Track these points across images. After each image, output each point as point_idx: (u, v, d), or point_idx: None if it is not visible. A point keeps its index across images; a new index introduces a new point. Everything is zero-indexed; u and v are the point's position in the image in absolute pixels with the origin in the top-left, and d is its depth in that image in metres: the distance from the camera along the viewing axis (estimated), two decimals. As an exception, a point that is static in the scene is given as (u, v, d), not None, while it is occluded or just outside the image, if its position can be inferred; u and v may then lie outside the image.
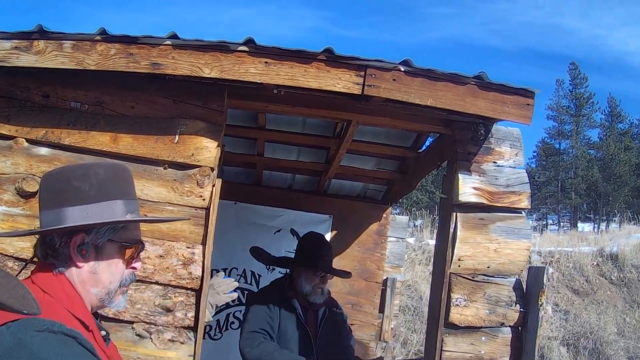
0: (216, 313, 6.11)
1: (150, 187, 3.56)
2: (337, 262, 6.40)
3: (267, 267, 6.56)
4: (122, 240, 2.07)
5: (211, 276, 3.70)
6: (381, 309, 6.92)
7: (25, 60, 3.37)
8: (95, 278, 2.04)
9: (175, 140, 3.58)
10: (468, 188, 3.74)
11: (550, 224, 65.84)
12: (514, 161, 3.86)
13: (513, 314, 3.78)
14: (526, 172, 3.94)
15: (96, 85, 3.62)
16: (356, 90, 3.39)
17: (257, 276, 6.70)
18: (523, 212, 3.87)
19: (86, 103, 3.62)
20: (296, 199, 6.82)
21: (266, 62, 3.38)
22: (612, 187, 58.52)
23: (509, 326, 3.80)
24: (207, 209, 3.55)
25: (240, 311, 6.36)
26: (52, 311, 1.85)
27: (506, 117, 3.52)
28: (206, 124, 3.60)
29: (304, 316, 4.36)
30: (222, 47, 3.37)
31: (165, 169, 3.58)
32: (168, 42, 3.37)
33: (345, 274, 4.73)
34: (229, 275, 6.28)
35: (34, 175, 3.52)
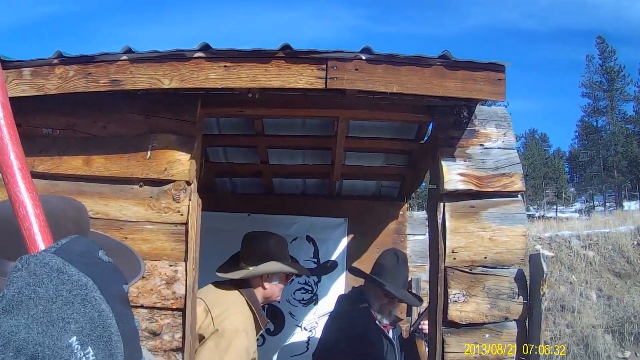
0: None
1: (128, 206, 3.58)
2: (356, 267, 6.32)
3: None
4: None
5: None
6: (409, 313, 6.74)
7: None
8: None
9: (148, 156, 3.58)
10: (454, 175, 3.63)
11: (597, 205, 64.21)
12: (503, 142, 3.73)
13: (517, 307, 3.62)
14: (517, 151, 3.79)
15: (66, 109, 3.66)
16: (319, 84, 3.36)
17: None
18: (518, 196, 3.71)
19: (57, 128, 3.67)
20: (310, 204, 6.74)
21: (225, 66, 3.37)
22: (653, 161, 55.96)
23: (514, 320, 3.63)
24: (187, 224, 3.52)
25: None
26: None
27: (478, 95, 3.42)
28: (178, 137, 3.60)
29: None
30: (179, 56, 3.39)
31: (140, 186, 3.59)
32: (124, 57, 3.41)
33: (415, 301, 4.85)
34: None
35: None
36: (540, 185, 66.86)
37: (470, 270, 3.59)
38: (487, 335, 3.57)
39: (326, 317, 6.22)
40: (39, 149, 3.62)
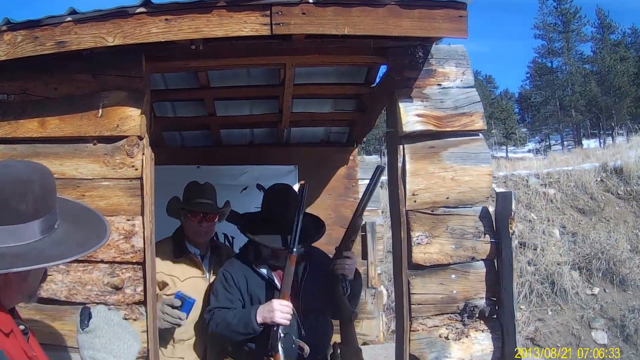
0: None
1: (84, 164, 3.63)
2: (310, 212, 6.33)
3: (239, 227, 6.46)
4: None
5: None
6: (364, 256, 6.67)
7: None
8: (23, 285, 2.17)
9: (99, 115, 3.62)
10: (411, 116, 3.59)
11: (554, 144, 63.84)
12: (462, 81, 3.69)
13: (484, 246, 3.61)
14: (475, 89, 3.74)
15: (19, 74, 3.70)
16: (265, 31, 3.34)
17: (230, 238, 6.74)
18: (480, 135, 3.66)
19: (12, 93, 3.71)
20: (259, 153, 6.88)
21: (166, 19, 3.37)
22: (612, 100, 58.83)
23: (481, 260, 3.62)
24: (141, 178, 3.59)
25: None
26: None
27: (437, 33, 3.39)
28: (127, 93, 3.63)
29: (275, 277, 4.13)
30: (121, 13, 3.39)
31: (94, 144, 3.64)
32: (69, 18, 3.42)
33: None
34: None
35: None
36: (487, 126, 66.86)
37: (432, 211, 3.57)
38: (453, 276, 3.57)
39: None
40: (-4, 115, 3.67)
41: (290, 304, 3.83)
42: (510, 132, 69.14)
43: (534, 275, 14.89)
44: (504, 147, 65.96)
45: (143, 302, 3.53)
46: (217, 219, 4.73)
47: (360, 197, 6.34)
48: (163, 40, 3.38)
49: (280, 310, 3.78)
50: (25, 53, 3.42)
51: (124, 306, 3.53)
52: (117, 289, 3.53)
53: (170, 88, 5.48)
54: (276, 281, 4.05)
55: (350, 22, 3.31)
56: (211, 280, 4.53)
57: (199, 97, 5.72)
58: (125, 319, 3.48)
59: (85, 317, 2.48)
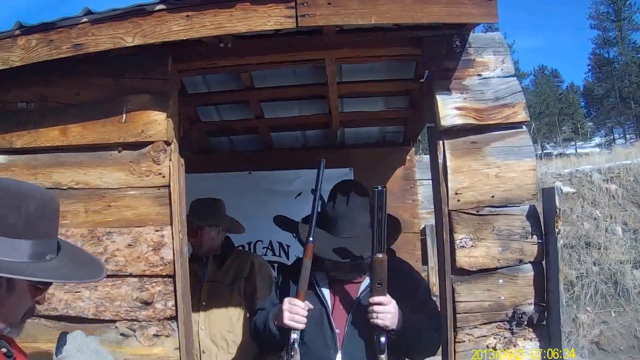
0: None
1: (109, 173, 3.51)
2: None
3: (295, 235, 6.31)
4: (36, 282, 2.06)
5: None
6: (424, 261, 6.44)
7: None
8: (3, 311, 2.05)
9: (123, 120, 3.50)
10: (449, 109, 3.38)
11: (618, 138, 62.46)
12: (502, 70, 3.45)
13: (531, 248, 3.35)
14: (517, 79, 3.49)
15: (38, 80, 3.60)
16: (290, 24, 3.17)
17: (285, 247, 6.59)
18: (523, 127, 3.40)
19: (32, 101, 3.62)
20: (313, 156, 6.45)
21: (187, 16, 3.22)
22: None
23: (529, 262, 3.36)
24: (169, 185, 3.45)
25: None
26: None
27: (468, 19, 3.16)
28: (152, 96, 3.50)
29: (332, 289, 3.63)
30: (140, 11, 3.25)
31: (119, 152, 3.52)
32: (85, 19, 3.31)
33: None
34: (254, 250, 6.47)
35: None
36: (556, 123, 65.13)
37: (477, 211, 3.34)
38: (500, 281, 3.32)
39: None
40: (15, 124, 3.59)
41: (303, 304, 3.41)
42: (577, 127, 67.68)
43: (599, 275, 14.39)
44: (573, 143, 64.75)
45: (175, 318, 3.38)
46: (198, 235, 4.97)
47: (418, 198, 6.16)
48: (184, 38, 3.23)
49: (289, 311, 3.41)
50: (40, 58, 3.32)
51: (155, 322, 3.39)
52: (147, 304, 3.38)
53: (212, 91, 5.37)
54: (327, 297, 3.57)
55: (377, 11, 3.12)
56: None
57: (243, 99, 5.57)
58: (157, 335, 3.37)
59: (62, 343, 2.44)
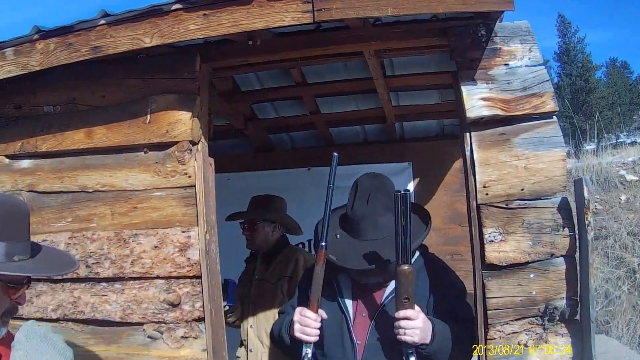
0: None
1: (134, 175, 3.55)
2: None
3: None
4: (7, 281, 2.21)
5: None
6: None
7: None
8: None
9: (147, 121, 3.51)
10: (475, 100, 3.29)
11: None
12: (530, 58, 3.33)
13: (562, 241, 3.23)
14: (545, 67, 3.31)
15: (66, 83, 3.63)
16: (307, 19, 3.12)
17: None
18: (554, 117, 3.29)
19: (59, 104, 3.67)
20: (372, 151, 6.55)
21: (204, 14, 3.20)
22: None
23: (561, 256, 3.23)
24: (195, 186, 3.45)
25: None
26: None
27: (482, 7, 3.04)
28: (177, 96, 3.50)
29: (355, 295, 3.37)
30: (157, 11, 3.24)
31: (145, 153, 3.53)
32: (102, 21, 3.32)
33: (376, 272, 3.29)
34: (315, 246, 6.25)
35: (20, 190, 3.64)
36: (628, 112, 64.50)
37: (506, 205, 3.24)
38: (532, 276, 3.21)
39: None
40: (41, 128, 3.64)
41: (314, 316, 3.17)
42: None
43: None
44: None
45: (202, 319, 3.36)
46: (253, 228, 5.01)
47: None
48: (202, 37, 3.21)
49: (299, 323, 3.19)
50: (60, 61, 3.34)
51: (183, 324, 3.39)
52: (174, 305, 3.39)
53: (266, 87, 5.38)
54: (349, 305, 3.33)
55: (393, 3, 3.03)
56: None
57: (297, 95, 5.58)
58: (185, 337, 3.37)
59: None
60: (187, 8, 3.17)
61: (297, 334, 3.17)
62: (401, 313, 3.04)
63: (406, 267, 3.00)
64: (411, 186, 6.25)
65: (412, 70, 4.93)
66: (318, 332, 3.18)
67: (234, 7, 3.13)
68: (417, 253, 3.43)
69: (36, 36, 3.37)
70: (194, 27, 3.16)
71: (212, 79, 4.55)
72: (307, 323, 3.16)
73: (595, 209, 12.68)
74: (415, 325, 3.02)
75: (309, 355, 3.18)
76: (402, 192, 3.01)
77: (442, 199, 6.15)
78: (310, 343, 3.17)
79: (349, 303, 3.34)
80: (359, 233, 3.33)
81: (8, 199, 2.46)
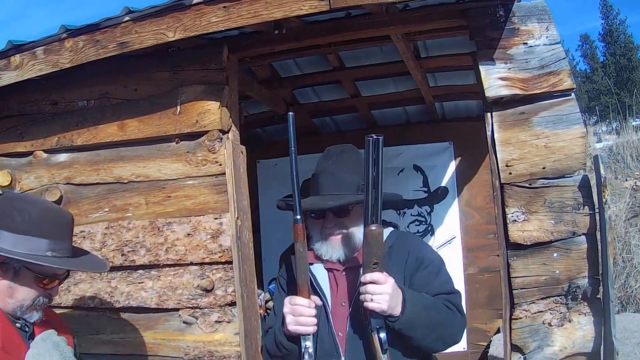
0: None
1: (167, 165, 3.67)
2: (469, 191, 6.25)
3: (398, 212, 6.41)
4: (37, 272, 2.51)
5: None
6: None
7: (8, 77, 3.63)
8: (11, 292, 2.51)
9: (177, 112, 3.62)
10: (494, 80, 3.30)
11: None
12: (547, 37, 3.32)
13: (584, 219, 3.24)
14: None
15: (97, 78, 3.77)
16: (324, 6, 3.14)
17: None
18: (571, 94, 3.29)
19: (92, 99, 3.81)
20: (413, 132, 6.55)
21: (224, 7, 3.26)
22: None
23: (582, 234, 3.24)
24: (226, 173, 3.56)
25: None
26: None
27: None
28: (205, 87, 3.61)
29: (332, 283, 3.06)
30: (179, 6, 3.32)
31: (177, 143, 3.65)
32: (127, 18, 3.42)
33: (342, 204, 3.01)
34: None
35: (57, 184, 3.80)
36: None
37: (529, 184, 3.26)
38: (555, 255, 3.24)
39: (446, 247, 5.99)
40: (75, 123, 3.79)
41: (306, 302, 2.82)
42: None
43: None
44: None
45: (235, 303, 3.46)
46: None
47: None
48: (223, 28, 3.28)
49: (292, 314, 2.83)
50: (88, 58, 3.46)
51: (216, 308, 3.50)
52: (208, 291, 3.50)
53: (305, 73, 5.45)
54: (327, 292, 3.03)
55: (409, -14, 3.09)
56: None
57: (335, 80, 5.63)
58: (218, 321, 3.48)
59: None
60: (207, 1, 3.24)
61: (292, 327, 2.82)
62: (367, 277, 2.72)
63: (374, 228, 2.69)
64: (453, 165, 6.28)
65: (445, 51, 4.93)
66: (315, 320, 2.83)
67: (253, -1, 3.22)
68: (390, 229, 3.12)
69: (64, 35, 3.49)
70: (216, 20, 3.24)
71: (251, 67, 4.63)
72: (301, 312, 2.81)
73: (636, 185, 12.36)
74: (384, 291, 2.69)
75: (310, 349, 2.83)
76: (375, 136, 2.68)
77: (483, 178, 6.09)
78: (309, 334, 2.83)
79: (327, 292, 3.03)
80: (320, 188, 3.08)
81: (54, 205, 2.88)
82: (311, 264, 3.00)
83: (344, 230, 3.00)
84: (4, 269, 2.49)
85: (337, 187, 3.01)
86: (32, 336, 2.57)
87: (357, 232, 2.96)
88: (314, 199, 3.05)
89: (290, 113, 2.93)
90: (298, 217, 2.84)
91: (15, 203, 2.59)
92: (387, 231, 3.01)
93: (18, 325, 2.55)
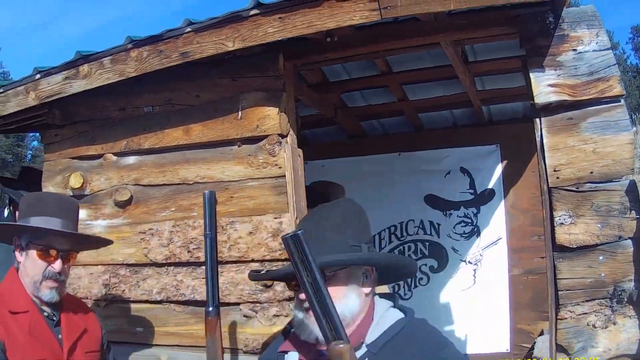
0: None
1: (230, 167, 3.86)
2: (514, 193, 6.29)
3: (445, 213, 6.49)
4: (38, 244, 2.94)
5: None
6: None
7: (78, 86, 3.90)
8: (26, 271, 2.95)
9: (239, 117, 3.80)
10: (543, 87, 3.37)
11: None
12: (597, 43, 3.36)
13: (630, 223, 3.28)
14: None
15: (162, 85, 3.98)
16: (375, 17, 3.30)
17: (436, 225, 6.58)
18: (621, 101, 3.33)
19: (157, 105, 4.03)
20: (460, 135, 6.61)
21: (280, 18, 3.44)
22: None
23: (629, 238, 3.28)
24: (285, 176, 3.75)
25: (426, 264, 6.49)
26: None
27: None
28: (264, 93, 3.79)
29: None
30: (237, 17, 3.52)
31: (239, 146, 3.83)
32: (188, 29, 3.63)
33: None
34: (406, 229, 6.51)
35: (126, 185, 4.05)
36: None
37: (577, 188, 3.32)
38: (601, 258, 3.29)
39: (491, 249, 6.07)
40: (142, 128, 4.02)
41: None
42: None
43: None
44: None
45: (293, 298, 3.59)
46: None
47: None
48: (279, 38, 3.45)
49: None
50: (153, 67, 3.67)
51: (275, 303, 3.67)
52: (267, 286, 3.67)
53: (353, 77, 5.56)
54: None
55: (455, -3, 3.20)
56: None
57: (383, 84, 5.72)
58: (277, 315, 3.65)
59: None
60: (263, 13, 3.42)
61: None
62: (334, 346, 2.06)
63: (341, 346, 2.03)
64: (499, 168, 6.32)
65: (493, 55, 4.99)
66: None
67: (306, 10, 3.35)
68: (396, 315, 2.37)
69: (130, 45, 3.72)
70: (272, 30, 3.41)
71: (300, 72, 4.76)
72: None
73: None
74: None
75: None
76: (291, 233, 2.05)
77: (529, 180, 6.09)
78: None
79: None
80: None
81: (55, 193, 3.73)
82: (284, 352, 2.43)
83: None
84: (20, 251, 2.99)
85: (318, 250, 2.16)
86: (58, 324, 2.98)
87: (347, 301, 2.25)
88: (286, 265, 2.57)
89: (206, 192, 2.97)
90: (210, 309, 2.88)
91: (28, 195, 3.25)
92: (390, 313, 2.37)
93: (45, 314, 2.95)
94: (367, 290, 2.30)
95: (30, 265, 2.92)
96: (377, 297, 2.37)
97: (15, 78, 4.53)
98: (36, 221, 2.93)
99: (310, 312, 2.10)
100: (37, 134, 4.62)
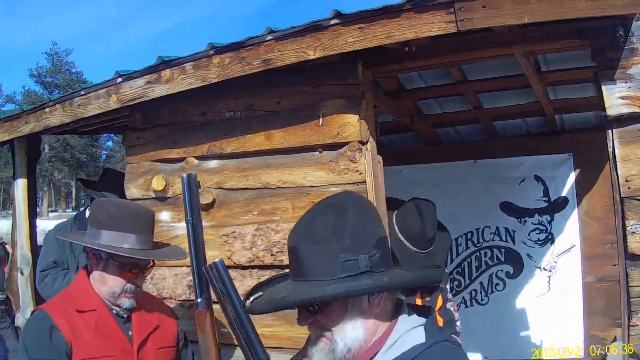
0: (478, 275, 6.44)
1: (311, 172, 3.97)
2: (587, 201, 6.33)
3: (520, 220, 6.55)
4: (119, 262, 2.98)
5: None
6: None
7: (160, 90, 4.05)
8: (103, 280, 3.02)
9: (320, 124, 3.91)
10: (615, 99, 3.45)
11: None
12: (666, 57, 3.40)
13: (698, 233, 3.31)
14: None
15: (243, 91, 4.12)
16: (451, 28, 3.39)
17: (511, 232, 6.66)
18: (693, 112, 3.37)
19: (238, 110, 4.17)
20: (533, 143, 6.65)
21: (360, 28, 3.54)
22: None
23: (700, 248, 3.35)
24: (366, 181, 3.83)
25: (502, 270, 6.58)
26: (52, 302, 3.11)
27: (612, 11, 3.16)
28: (344, 101, 3.89)
29: None
30: (317, 27, 3.62)
31: (320, 152, 3.94)
32: (269, 37, 3.74)
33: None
34: (482, 235, 6.62)
35: (209, 188, 4.17)
36: None
37: (647, 198, 3.36)
38: (672, 267, 3.33)
39: (565, 256, 6.09)
40: (224, 132, 4.16)
41: None
42: None
43: None
44: None
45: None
46: None
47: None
48: (359, 48, 3.54)
49: None
50: (235, 73, 3.80)
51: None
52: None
53: (429, 85, 5.63)
54: None
55: (529, 10, 3.23)
56: None
57: (458, 92, 5.80)
58: None
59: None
60: (344, 22, 3.53)
61: None
62: None
63: None
64: (572, 176, 6.35)
65: (565, 65, 5.01)
66: None
67: (386, 20, 3.45)
68: (415, 340, 1.91)
69: (212, 52, 3.86)
70: (352, 40, 3.52)
71: (377, 79, 4.89)
72: None
73: None
74: None
75: None
76: (215, 262, 2.17)
77: (602, 189, 6.14)
78: None
79: None
80: (290, 270, 2.01)
81: (133, 204, 3.42)
82: None
83: (326, 333, 1.90)
84: (96, 260, 3.01)
85: (303, 272, 1.89)
86: (128, 320, 3.08)
87: (345, 333, 1.87)
88: (285, 284, 2.04)
89: (184, 175, 2.56)
90: (199, 300, 2.51)
91: (101, 204, 3.17)
92: (410, 336, 1.92)
93: (114, 311, 3.05)
94: (377, 310, 1.88)
95: (109, 278, 2.99)
96: (403, 316, 1.95)
97: (88, 78, 4.74)
98: (109, 236, 2.95)
99: (316, 342, 1.90)
100: (112, 134, 4.79)
